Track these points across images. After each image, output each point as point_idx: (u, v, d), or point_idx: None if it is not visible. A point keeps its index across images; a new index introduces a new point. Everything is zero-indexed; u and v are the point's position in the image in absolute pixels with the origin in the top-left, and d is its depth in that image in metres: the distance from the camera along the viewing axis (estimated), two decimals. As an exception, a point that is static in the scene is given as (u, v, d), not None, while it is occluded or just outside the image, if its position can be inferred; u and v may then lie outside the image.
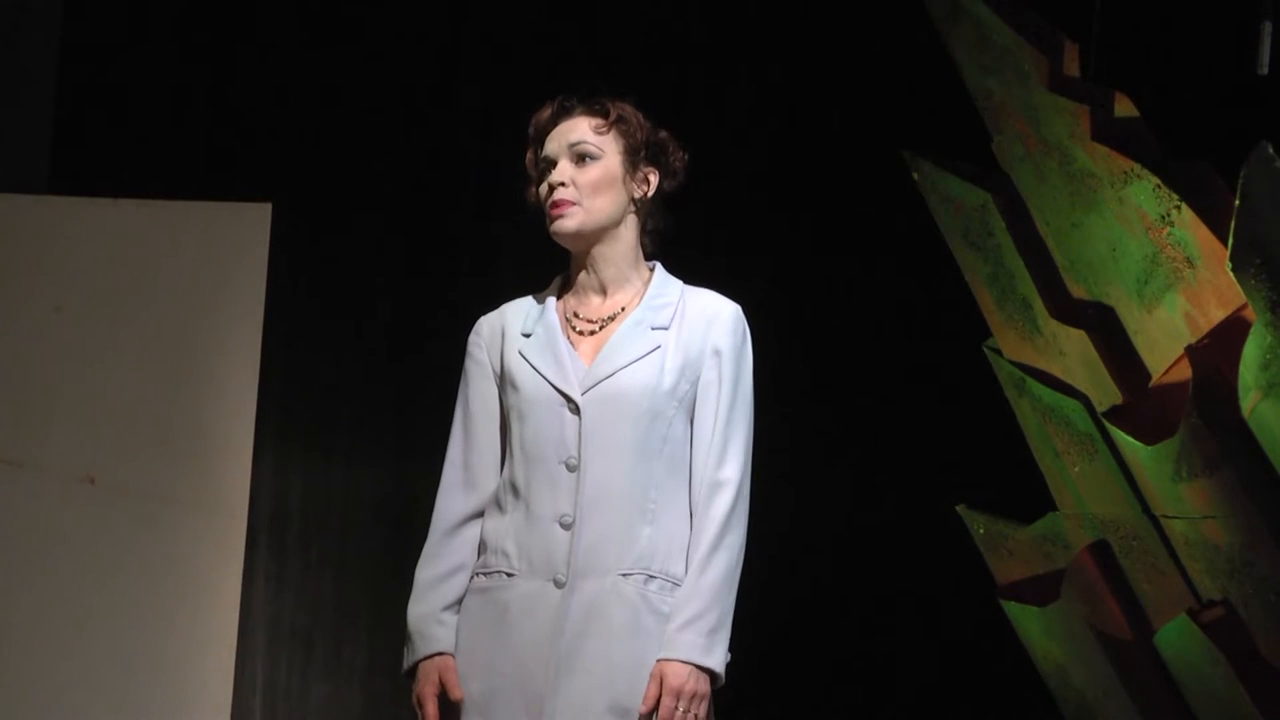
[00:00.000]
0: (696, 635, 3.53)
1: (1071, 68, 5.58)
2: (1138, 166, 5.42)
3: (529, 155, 3.79)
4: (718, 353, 3.65)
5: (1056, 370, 5.67)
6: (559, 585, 3.55)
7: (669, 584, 3.58)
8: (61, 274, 6.01)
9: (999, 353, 5.79)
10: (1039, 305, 5.68)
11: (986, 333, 5.83)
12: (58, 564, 5.89)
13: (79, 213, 6.05)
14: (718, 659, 3.54)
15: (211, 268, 5.99)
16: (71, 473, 5.93)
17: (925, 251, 5.89)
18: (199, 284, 5.99)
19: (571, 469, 3.59)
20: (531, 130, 3.79)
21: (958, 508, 5.87)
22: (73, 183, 6.32)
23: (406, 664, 3.72)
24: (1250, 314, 5.10)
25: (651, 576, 3.57)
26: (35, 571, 5.89)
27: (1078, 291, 5.63)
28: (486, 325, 3.80)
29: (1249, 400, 5.07)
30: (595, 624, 3.54)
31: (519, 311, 3.78)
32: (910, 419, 6.07)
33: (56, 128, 6.48)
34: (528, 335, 3.71)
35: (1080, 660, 5.67)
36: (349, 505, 6.36)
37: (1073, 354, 5.63)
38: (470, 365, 3.78)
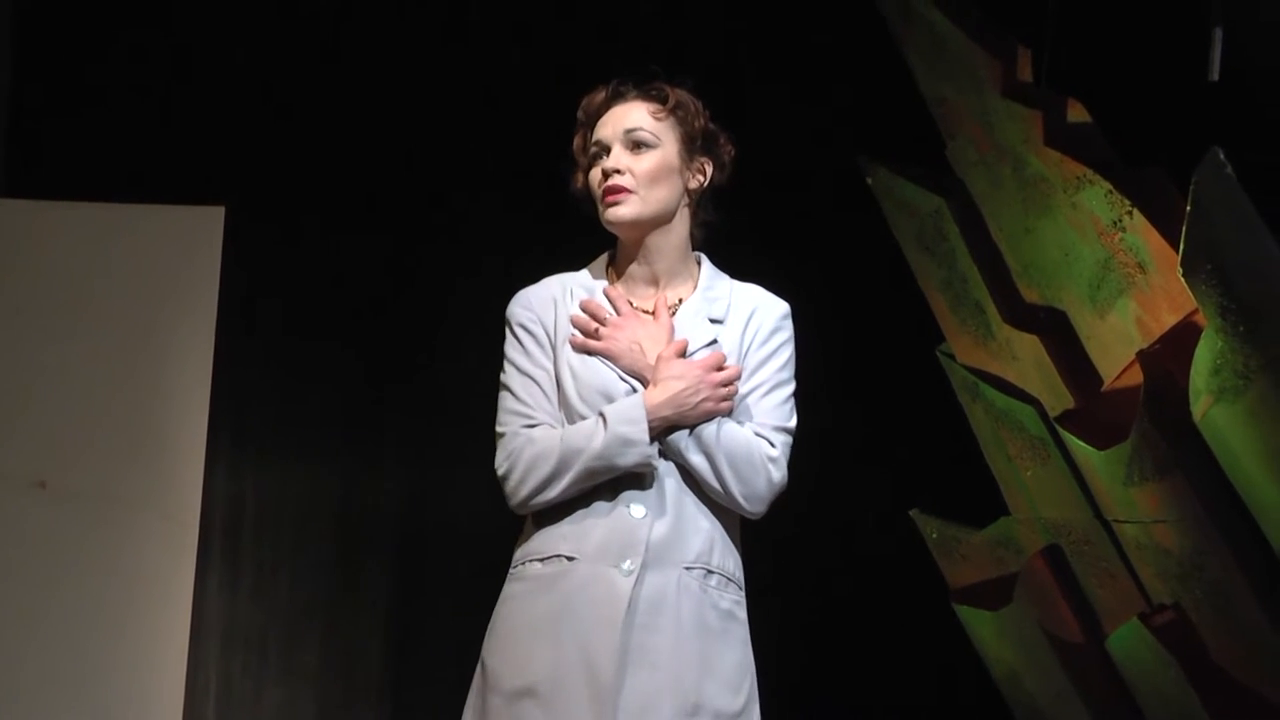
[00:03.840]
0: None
1: (1025, 73, 5.59)
2: (1090, 172, 5.43)
3: (577, 140, 3.68)
4: (765, 345, 3.61)
5: (1010, 375, 5.68)
6: (626, 574, 3.47)
7: (725, 579, 3.55)
8: (15, 277, 5.99)
9: (952, 357, 5.81)
10: (992, 310, 5.70)
11: (940, 337, 5.85)
12: (9, 568, 5.86)
13: (33, 216, 6.04)
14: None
15: (165, 271, 5.98)
16: (24, 477, 5.92)
17: (880, 256, 5.90)
18: (153, 287, 5.98)
19: None
20: (581, 114, 3.68)
21: (911, 512, 5.90)
22: (27, 186, 6.29)
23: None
24: (1201, 319, 5.09)
25: (710, 571, 3.53)
26: (-13, 575, 5.88)
27: (1031, 296, 5.64)
28: (534, 296, 3.66)
29: (1200, 405, 5.05)
30: (664, 618, 3.48)
31: (562, 288, 3.66)
32: (864, 423, 6.08)
33: (10, 131, 6.44)
34: None
35: (1033, 664, 5.69)
36: (302, 509, 6.34)
37: (1026, 359, 5.64)
38: (524, 336, 3.63)
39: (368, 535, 6.34)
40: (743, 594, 3.60)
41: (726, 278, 3.69)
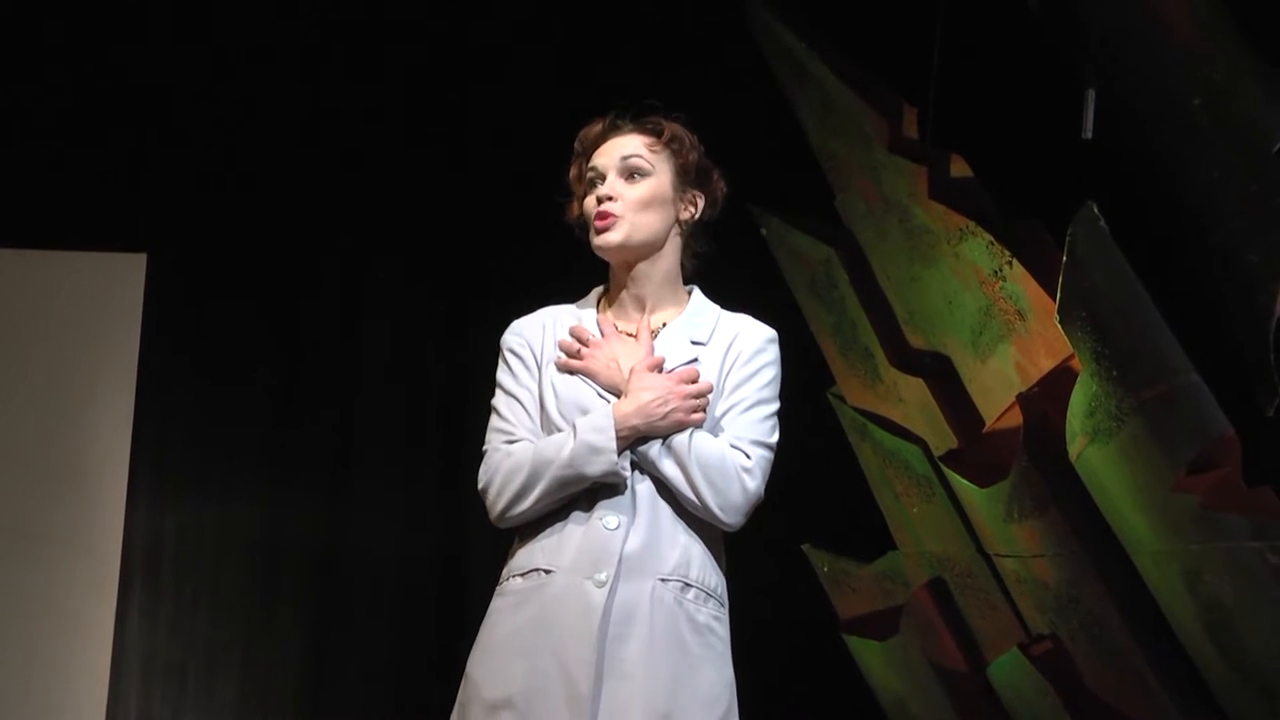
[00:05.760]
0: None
1: (911, 130, 5.66)
2: (972, 224, 5.49)
3: (573, 170, 3.71)
4: (746, 366, 3.61)
5: (896, 416, 5.75)
6: (599, 585, 3.45)
7: (704, 594, 3.54)
8: (-61, 321, 5.94)
9: (842, 399, 5.88)
10: (880, 354, 5.77)
11: (831, 380, 5.92)
12: (-66, 603, 5.83)
13: (-44, 262, 5.98)
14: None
15: (87, 316, 5.99)
16: (-50, 515, 5.86)
17: (773, 302, 5.96)
18: (75, 332, 5.99)
19: None
20: (578, 145, 3.70)
21: (803, 546, 5.96)
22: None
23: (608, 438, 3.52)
24: (1077, 364, 5.13)
25: (688, 585, 3.52)
26: (-89, 611, 5.83)
27: (916, 341, 5.70)
28: (525, 325, 3.70)
29: (1075, 445, 5.11)
30: (636, 628, 3.45)
31: (553, 316, 3.70)
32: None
33: (-70, 177, 6.39)
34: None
35: (918, 691, 5.77)
36: (220, 544, 6.34)
37: (911, 401, 5.72)
38: (511, 360, 3.66)
39: (284, 569, 6.33)
40: (724, 609, 3.59)
41: (716, 307, 3.71)
